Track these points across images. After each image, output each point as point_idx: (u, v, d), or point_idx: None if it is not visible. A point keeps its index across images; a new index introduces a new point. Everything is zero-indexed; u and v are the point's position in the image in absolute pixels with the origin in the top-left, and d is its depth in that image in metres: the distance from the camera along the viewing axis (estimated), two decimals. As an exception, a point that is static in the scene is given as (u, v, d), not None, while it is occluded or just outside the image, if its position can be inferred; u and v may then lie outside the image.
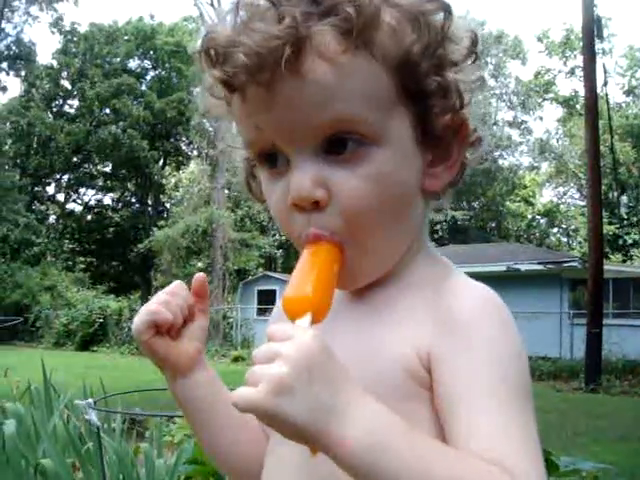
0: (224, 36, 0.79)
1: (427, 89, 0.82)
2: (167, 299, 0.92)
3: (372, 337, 0.85)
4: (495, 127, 48.74)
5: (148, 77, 46.58)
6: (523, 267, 22.27)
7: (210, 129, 37.40)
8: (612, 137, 30.52)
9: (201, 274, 0.97)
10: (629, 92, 44.31)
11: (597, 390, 15.59)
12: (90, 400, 2.75)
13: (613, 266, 24.11)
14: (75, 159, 44.63)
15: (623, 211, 40.06)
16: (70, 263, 39.02)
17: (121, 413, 3.88)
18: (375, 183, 0.80)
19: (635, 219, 41.26)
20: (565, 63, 43.54)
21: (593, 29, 18.28)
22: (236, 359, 21.37)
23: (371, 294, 0.90)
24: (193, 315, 0.95)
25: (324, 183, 0.80)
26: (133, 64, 46.28)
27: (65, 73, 45.04)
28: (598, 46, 30.38)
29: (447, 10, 0.82)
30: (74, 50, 43.97)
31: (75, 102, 45.48)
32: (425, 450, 0.69)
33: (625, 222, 39.93)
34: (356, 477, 0.68)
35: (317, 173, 0.80)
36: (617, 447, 7.64)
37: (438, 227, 41.94)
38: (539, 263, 22.52)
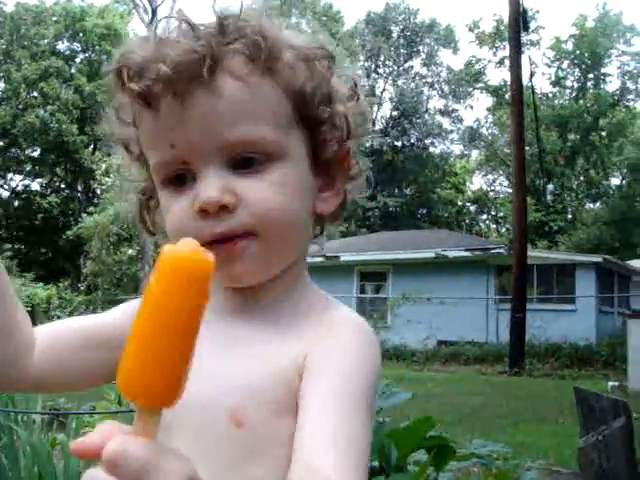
0: (141, 54, 0.85)
1: (319, 118, 0.92)
2: None
3: (263, 352, 0.89)
4: (427, 115, 49.37)
5: (77, 60, 45.38)
6: (451, 254, 22.76)
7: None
8: (537, 127, 31.36)
9: None
10: (556, 83, 45.46)
11: (520, 373, 16.09)
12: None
13: (538, 252, 24.83)
14: (1, 143, 43.27)
15: (549, 199, 41.16)
16: (-4, 250, 37.93)
17: (23, 412, 3.73)
18: (279, 188, 0.87)
19: (560, 206, 42.47)
20: (495, 53, 44.34)
21: (519, 21, 18.73)
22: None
23: (260, 311, 0.94)
24: None
25: (232, 190, 0.85)
26: (62, 46, 45.01)
27: (-10, 54, 43.58)
28: (526, 38, 31.07)
29: (330, 58, 0.94)
30: (-1, 31, 42.59)
31: (0, 84, 44.08)
32: None
33: (551, 209, 41.04)
34: None
35: (225, 182, 0.85)
36: (535, 428, 7.94)
37: (370, 213, 42.31)
38: (466, 250, 23.05)
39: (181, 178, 0.89)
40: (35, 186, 46.52)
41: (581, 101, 43.51)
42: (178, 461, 0.56)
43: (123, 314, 1.03)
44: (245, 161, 0.86)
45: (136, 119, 0.91)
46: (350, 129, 0.95)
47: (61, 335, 1.02)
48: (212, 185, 0.85)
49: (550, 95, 46.16)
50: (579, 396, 4.07)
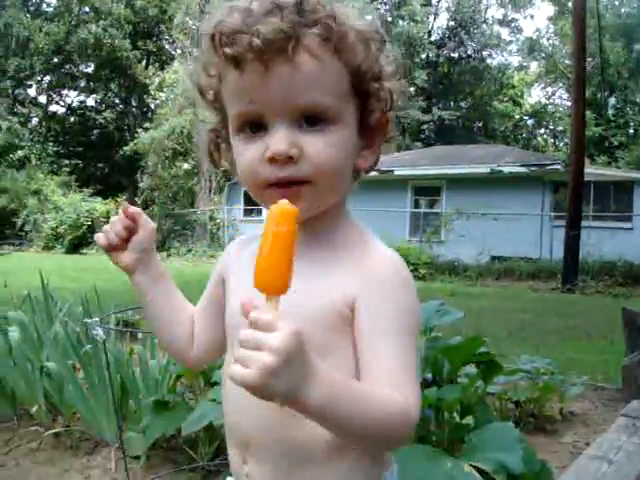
0: (235, 25, 1.05)
1: (369, 91, 1.14)
2: (106, 229, 1.29)
3: (315, 283, 1.13)
4: (484, 25, 47.84)
5: (128, -27, 45.01)
6: (507, 169, 22.47)
7: (194, 27, 36.49)
8: (601, 37, 30.17)
9: (124, 204, 1.31)
10: (622, -11, 43.34)
11: (573, 290, 16.07)
12: (96, 319, 3.06)
13: (595, 169, 24.32)
14: (56, 60, 43.62)
15: (610, 112, 39.94)
16: (55, 166, 38.80)
17: (122, 331, 4.21)
18: (334, 148, 1.09)
19: (622, 121, 41.19)
20: (557, -42, 42.36)
21: None
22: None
23: (316, 246, 1.17)
24: (134, 231, 1.28)
25: (297, 145, 1.07)
26: (112, -41, 44.61)
27: (41, -30, 43.47)
28: (591, -59, 29.43)
29: (383, 41, 1.16)
30: (50, -55, 42.30)
31: (53, 0, 44.16)
32: (359, 395, 0.99)
33: (612, 124, 39.87)
34: (318, 423, 0.97)
35: (293, 137, 1.07)
36: (583, 345, 8.05)
37: (425, 127, 41.75)
38: (522, 165, 22.71)
39: (254, 127, 1.11)
40: (90, 102, 47.11)
41: (649, 8, 41.46)
42: (288, 327, 0.87)
43: (215, 284, 1.35)
44: (310, 122, 1.07)
45: (221, 74, 1.11)
46: (392, 102, 1.16)
47: (206, 327, 1.37)
48: (282, 139, 1.06)
49: (616, 3, 44.07)
50: (626, 316, 4.20)
